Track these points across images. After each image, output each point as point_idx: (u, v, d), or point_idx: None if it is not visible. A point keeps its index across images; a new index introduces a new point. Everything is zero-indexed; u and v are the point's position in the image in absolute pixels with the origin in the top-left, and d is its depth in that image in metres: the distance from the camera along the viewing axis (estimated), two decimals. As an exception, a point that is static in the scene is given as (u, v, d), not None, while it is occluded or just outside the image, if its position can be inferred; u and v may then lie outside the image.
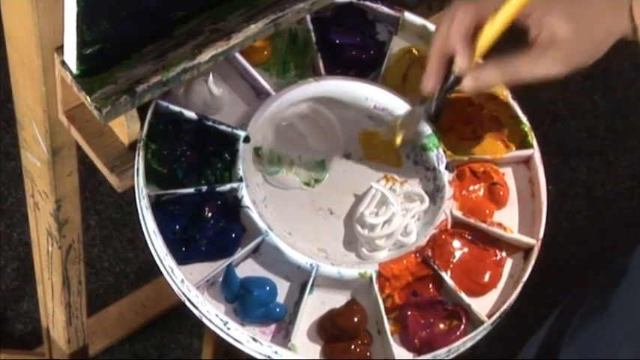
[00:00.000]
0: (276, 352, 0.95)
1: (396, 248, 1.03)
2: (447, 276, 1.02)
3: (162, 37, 0.97)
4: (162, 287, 1.71)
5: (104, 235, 1.82)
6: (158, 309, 1.73)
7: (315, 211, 1.04)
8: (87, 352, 1.59)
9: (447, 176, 1.06)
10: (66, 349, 1.52)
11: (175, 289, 0.98)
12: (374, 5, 1.14)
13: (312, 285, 0.99)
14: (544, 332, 1.30)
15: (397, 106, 1.09)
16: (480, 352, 1.33)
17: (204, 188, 1.00)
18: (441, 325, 1.00)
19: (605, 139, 2.03)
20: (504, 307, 1.01)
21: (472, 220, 1.04)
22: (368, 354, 0.98)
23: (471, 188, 1.07)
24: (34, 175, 1.17)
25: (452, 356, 1.00)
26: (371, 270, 1.00)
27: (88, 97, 0.94)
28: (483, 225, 1.04)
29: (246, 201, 1.00)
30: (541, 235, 1.05)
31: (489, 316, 1.00)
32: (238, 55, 1.07)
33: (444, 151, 1.07)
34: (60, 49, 0.95)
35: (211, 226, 1.00)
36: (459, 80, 1.01)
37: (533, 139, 1.10)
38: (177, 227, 0.99)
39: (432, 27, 1.13)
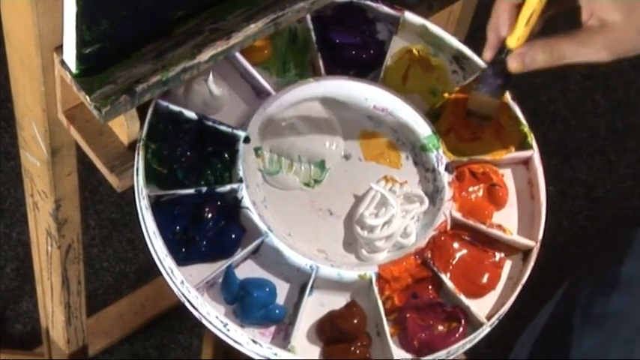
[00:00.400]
0: (275, 354, 0.95)
1: (396, 250, 1.03)
2: (446, 278, 1.01)
3: (161, 37, 0.97)
4: (161, 287, 1.71)
5: (104, 235, 1.82)
6: (158, 309, 1.73)
7: (314, 211, 1.04)
8: (86, 352, 1.59)
9: (446, 177, 1.06)
10: (65, 349, 1.52)
11: (175, 290, 0.98)
12: (374, 4, 1.14)
13: (312, 286, 0.99)
14: (537, 331, 1.30)
15: (397, 106, 1.09)
16: (479, 353, 1.33)
17: (204, 189, 1.00)
18: (441, 327, 1.00)
19: (606, 139, 2.03)
20: (503, 308, 1.01)
21: (471, 222, 1.04)
22: (367, 355, 0.98)
23: (471, 189, 1.07)
24: (33, 175, 1.17)
25: (451, 358, 1.00)
26: (371, 272, 1.00)
27: (87, 97, 0.93)
28: (483, 226, 1.04)
29: (246, 202, 1.00)
30: (540, 236, 1.05)
31: (489, 318, 1.00)
32: (238, 55, 1.07)
33: (444, 152, 1.07)
34: (59, 48, 0.95)
35: (211, 227, 1.00)
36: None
37: (532, 140, 1.10)
38: (177, 228, 0.99)
39: (432, 27, 1.13)
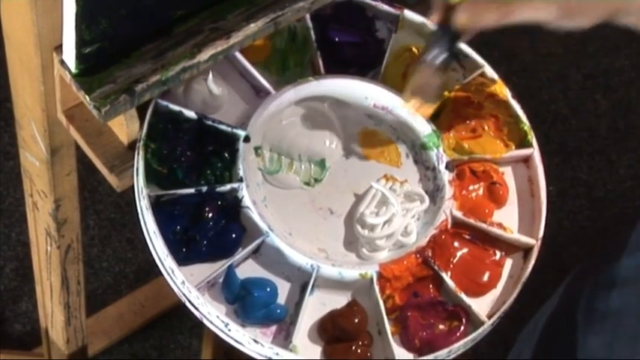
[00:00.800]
0: (277, 354, 0.95)
1: (397, 248, 1.03)
2: (447, 276, 1.01)
3: (161, 36, 0.97)
4: (161, 287, 1.71)
5: (103, 235, 1.81)
6: (157, 309, 1.73)
7: (315, 210, 1.04)
8: (86, 352, 1.58)
9: (447, 176, 1.06)
10: (65, 349, 1.52)
11: (176, 290, 0.97)
12: (373, 3, 1.14)
13: (313, 286, 0.99)
14: (539, 330, 1.29)
15: (396, 104, 1.09)
16: (480, 352, 1.32)
17: (205, 188, 1.00)
18: (442, 326, 1.00)
19: (607, 139, 2.03)
20: (504, 307, 1.01)
21: (472, 220, 1.04)
22: (368, 355, 0.98)
23: (471, 188, 1.07)
24: (32, 175, 1.16)
25: (452, 357, 1.00)
26: (371, 271, 1.00)
27: (87, 97, 0.93)
28: (483, 225, 1.04)
29: (247, 201, 1.00)
30: (540, 234, 1.05)
31: (489, 317, 1.00)
32: (238, 54, 1.07)
33: (444, 151, 1.07)
34: (59, 48, 0.95)
35: (212, 227, 0.99)
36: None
37: (532, 138, 1.09)
38: (178, 228, 0.99)
39: (431, 25, 1.13)
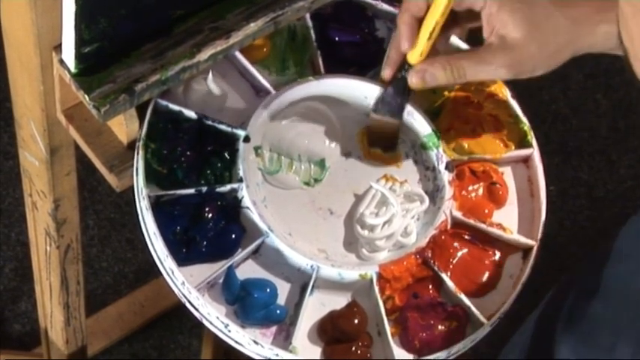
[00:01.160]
0: (277, 355, 0.95)
1: (396, 249, 1.03)
2: (446, 277, 1.01)
3: (161, 36, 0.96)
4: (161, 287, 1.70)
5: (103, 234, 1.81)
6: (157, 309, 1.73)
7: (315, 210, 1.04)
8: (85, 352, 1.58)
9: (446, 176, 1.05)
10: (64, 349, 1.51)
11: (176, 290, 0.97)
12: (373, 2, 1.14)
13: (313, 287, 0.99)
14: (527, 335, 1.30)
15: (397, 105, 1.09)
16: (480, 352, 1.32)
17: (205, 189, 1.00)
18: (441, 327, 1.00)
19: (607, 139, 2.03)
20: (504, 307, 1.00)
21: (472, 221, 1.04)
22: (368, 355, 0.98)
23: (471, 188, 1.07)
24: (32, 175, 1.16)
25: (452, 357, 1.00)
26: (371, 272, 0.99)
27: (86, 96, 0.93)
28: (483, 225, 1.04)
29: (247, 201, 1.00)
30: (540, 235, 1.05)
31: (489, 318, 1.00)
32: (237, 53, 1.07)
33: (444, 151, 1.07)
34: (58, 47, 0.94)
35: (211, 227, 0.99)
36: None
37: (532, 138, 1.09)
38: (178, 228, 0.99)
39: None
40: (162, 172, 1.01)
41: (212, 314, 0.96)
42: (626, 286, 1.11)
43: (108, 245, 1.81)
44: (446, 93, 1.10)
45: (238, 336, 0.95)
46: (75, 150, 1.12)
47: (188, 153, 1.01)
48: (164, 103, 1.02)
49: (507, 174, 1.09)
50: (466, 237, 1.04)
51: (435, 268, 1.01)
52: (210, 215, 0.99)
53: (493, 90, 1.11)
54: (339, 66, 1.10)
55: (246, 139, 1.03)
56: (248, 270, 1.00)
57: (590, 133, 2.03)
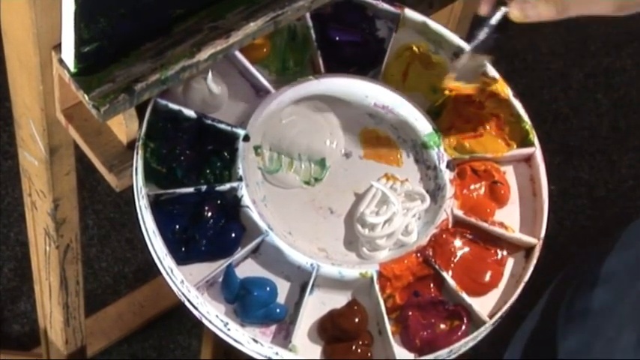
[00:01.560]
0: (276, 353, 0.95)
1: (397, 248, 1.02)
2: (448, 276, 1.01)
3: (160, 35, 0.96)
4: (160, 288, 1.70)
5: (102, 234, 1.81)
6: (156, 309, 1.73)
7: (315, 210, 1.04)
8: (85, 352, 1.58)
9: (447, 175, 1.05)
10: (64, 349, 1.51)
11: (175, 289, 0.97)
12: (374, 2, 1.13)
13: (313, 285, 0.99)
14: (529, 328, 1.29)
15: (397, 103, 1.08)
16: (481, 352, 1.32)
17: (204, 188, 1.00)
18: (443, 326, 1.00)
19: (608, 138, 2.03)
20: (506, 306, 1.00)
21: (473, 220, 1.04)
22: (369, 354, 0.98)
23: (472, 187, 1.07)
24: (31, 175, 1.16)
25: (453, 356, 0.99)
26: (372, 270, 0.99)
27: (85, 96, 0.93)
28: (484, 224, 1.04)
29: (246, 200, 1.00)
30: (542, 234, 1.04)
31: (491, 316, 1.00)
32: (237, 53, 1.06)
33: (445, 150, 1.06)
34: (58, 47, 0.94)
35: (211, 226, 0.99)
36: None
37: (534, 137, 1.09)
38: (177, 227, 0.98)
39: (432, 24, 1.13)
40: (161, 172, 1.00)
41: (211, 313, 0.95)
42: (630, 274, 1.11)
43: (107, 245, 1.80)
44: (447, 92, 1.10)
45: (238, 335, 0.95)
46: (74, 150, 1.11)
47: (187, 152, 1.01)
48: (164, 102, 1.02)
49: (509, 173, 1.09)
50: (468, 236, 1.04)
51: (436, 267, 1.01)
52: (209, 214, 0.99)
53: (495, 89, 1.11)
54: (339, 66, 1.10)
55: (246, 138, 1.03)
56: (248, 269, 0.99)
57: (590, 133, 2.03)
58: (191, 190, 1.00)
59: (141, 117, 1.01)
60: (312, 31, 1.10)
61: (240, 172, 1.01)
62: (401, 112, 1.09)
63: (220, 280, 0.98)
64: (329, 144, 1.07)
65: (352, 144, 1.08)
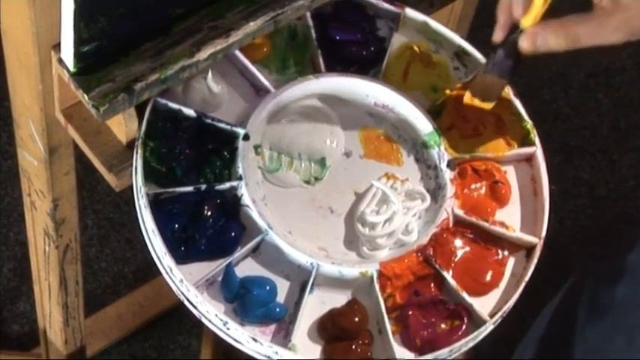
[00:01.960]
0: (276, 353, 0.95)
1: (397, 247, 1.02)
2: (448, 275, 1.01)
3: (160, 35, 0.96)
4: (160, 287, 1.70)
5: (102, 234, 1.81)
6: (156, 309, 1.72)
7: (315, 209, 1.04)
8: (84, 353, 1.58)
9: (448, 174, 1.05)
10: (63, 350, 1.51)
11: (174, 288, 0.97)
12: (374, 1, 1.13)
13: (313, 284, 0.99)
14: (543, 327, 1.29)
15: (397, 102, 1.08)
16: (481, 352, 1.32)
17: (204, 187, 1.00)
18: (443, 325, 1.00)
19: (609, 138, 2.02)
20: (507, 306, 1.00)
21: (474, 219, 1.04)
22: (369, 354, 0.98)
23: (473, 186, 1.06)
24: (30, 174, 1.16)
25: (453, 356, 0.99)
26: (372, 269, 0.99)
27: (85, 96, 0.93)
28: (485, 224, 1.04)
29: (246, 199, 0.99)
30: (543, 233, 1.04)
31: (491, 316, 1.00)
32: (237, 52, 1.06)
33: (446, 149, 1.06)
34: (57, 46, 0.94)
35: (211, 225, 0.99)
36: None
37: (535, 136, 1.09)
38: (177, 226, 0.98)
39: (433, 23, 1.12)
40: (161, 171, 1.00)
41: (211, 312, 0.95)
42: None
43: (107, 245, 1.80)
44: (447, 91, 1.10)
45: (237, 334, 0.95)
46: (74, 149, 1.11)
47: (187, 151, 1.01)
48: (163, 101, 1.02)
49: (510, 172, 1.09)
50: (468, 235, 1.04)
51: (437, 266, 1.01)
52: (209, 213, 0.99)
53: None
54: (339, 65, 1.10)
55: (246, 138, 1.03)
56: (247, 268, 0.99)
57: (591, 132, 2.03)
58: (191, 189, 1.00)
59: (140, 116, 1.00)
60: (313, 31, 1.10)
61: (240, 171, 1.01)
62: (401, 111, 1.09)
63: (220, 279, 0.98)
64: (329, 143, 1.07)
65: (352, 143, 1.08)
